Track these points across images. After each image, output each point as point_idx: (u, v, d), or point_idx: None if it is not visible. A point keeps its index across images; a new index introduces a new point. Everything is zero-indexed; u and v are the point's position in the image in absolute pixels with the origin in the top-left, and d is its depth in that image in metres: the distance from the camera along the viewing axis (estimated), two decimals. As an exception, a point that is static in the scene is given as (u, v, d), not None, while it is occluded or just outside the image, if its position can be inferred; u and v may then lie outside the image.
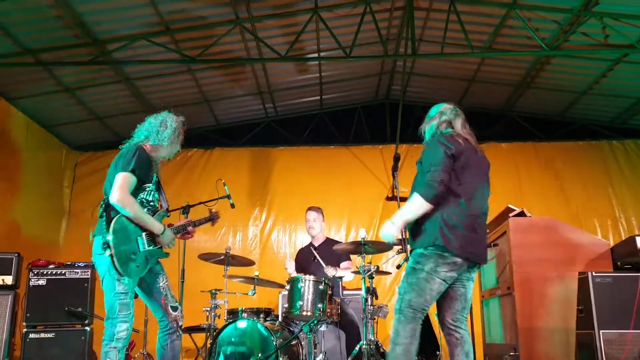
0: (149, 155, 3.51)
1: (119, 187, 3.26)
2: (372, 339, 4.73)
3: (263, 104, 8.90)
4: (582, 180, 8.66)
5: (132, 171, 3.32)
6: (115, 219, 3.26)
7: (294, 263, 5.62)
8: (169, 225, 3.66)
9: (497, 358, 4.62)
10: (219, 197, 4.77)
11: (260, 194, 8.81)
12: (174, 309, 3.56)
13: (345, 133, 9.28)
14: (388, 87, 9.26)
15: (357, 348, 4.81)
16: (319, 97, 9.08)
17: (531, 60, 7.62)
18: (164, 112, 3.73)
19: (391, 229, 3.24)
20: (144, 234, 3.42)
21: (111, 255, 3.18)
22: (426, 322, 3.41)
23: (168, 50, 6.57)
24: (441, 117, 3.45)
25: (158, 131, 3.58)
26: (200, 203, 4.76)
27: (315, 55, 7.77)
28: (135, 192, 3.38)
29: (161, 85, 7.74)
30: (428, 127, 3.51)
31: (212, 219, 4.16)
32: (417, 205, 3.16)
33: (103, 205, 3.38)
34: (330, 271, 5.14)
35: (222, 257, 5.23)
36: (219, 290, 5.42)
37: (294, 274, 5.36)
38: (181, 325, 3.61)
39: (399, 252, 4.85)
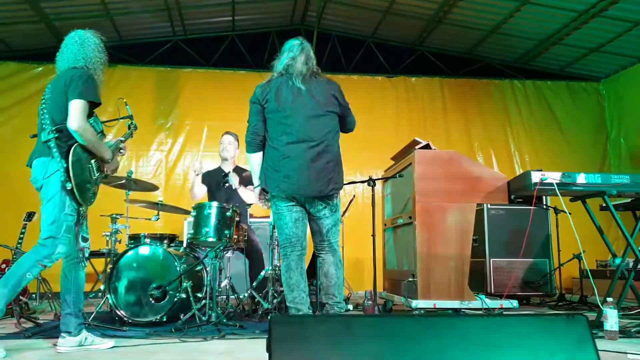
0: (95, 79, 3.46)
1: (77, 114, 3.24)
2: (278, 264, 4.80)
3: (171, 21, 8.39)
4: (483, 117, 9.04)
5: (88, 97, 3.30)
6: (72, 150, 3.26)
7: (205, 188, 5.46)
8: None
9: (397, 283, 4.84)
10: (120, 117, 4.49)
11: (166, 117, 8.46)
12: (84, 239, 3.50)
13: (258, 58, 8.99)
14: (304, 12, 9.01)
15: (262, 274, 4.88)
16: (231, 18, 8.68)
17: (445, -6, 7.66)
18: (79, 31, 3.60)
19: (255, 192, 3.76)
20: (93, 160, 3.44)
21: (72, 188, 3.22)
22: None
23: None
24: (288, 53, 3.65)
25: (90, 54, 3.51)
26: (101, 122, 4.46)
27: (228, -29, 7.36)
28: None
29: (59, -6, 7.08)
30: (278, 63, 3.69)
31: (132, 131, 4.07)
32: (248, 161, 3.70)
33: (52, 130, 3.31)
34: (249, 197, 5.13)
35: (124, 180, 5.02)
36: (119, 215, 5.23)
37: (200, 199, 5.25)
38: (88, 257, 3.56)
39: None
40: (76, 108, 3.25)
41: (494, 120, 9.07)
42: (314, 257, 3.80)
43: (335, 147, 3.58)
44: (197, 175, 5.32)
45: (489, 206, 5.97)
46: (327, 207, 3.58)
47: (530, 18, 7.83)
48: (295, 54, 3.59)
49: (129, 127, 4.08)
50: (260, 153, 3.61)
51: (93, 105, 3.41)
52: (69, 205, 3.27)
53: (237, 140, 5.57)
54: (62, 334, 3.35)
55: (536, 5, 7.40)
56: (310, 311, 3.55)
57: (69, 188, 3.23)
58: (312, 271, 4.24)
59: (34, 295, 5.99)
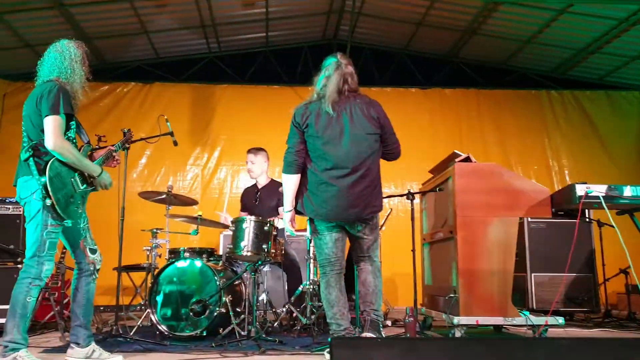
0: (67, 91, 3.39)
1: (53, 132, 3.20)
2: (315, 279, 4.78)
3: (206, 38, 8.52)
4: (519, 129, 8.89)
5: (60, 112, 3.24)
6: (48, 165, 3.22)
7: (229, 217, 5.48)
8: (91, 158, 3.58)
9: (436, 299, 4.76)
10: (160, 133, 4.57)
11: (202, 132, 8.57)
12: (93, 251, 3.52)
13: (291, 73, 9.06)
14: (336, 27, 9.05)
15: (299, 288, 4.86)
16: (264, 34, 8.77)
17: (479, 6, 7.59)
18: (63, 41, 3.59)
19: (285, 216, 3.63)
20: (76, 174, 3.40)
21: (52, 204, 3.18)
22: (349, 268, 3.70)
23: (105, -26, 6.12)
24: (325, 72, 3.51)
25: (66, 65, 3.47)
26: (142, 139, 4.54)
27: (262, -12, 7.45)
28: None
29: (98, 14, 7.24)
30: (317, 80, 3.58)
31: (128, 139, 4.04)
32: (283, 182, 3.58)
33: (29, 148, 3.29)
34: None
35: (164, 195, 5.08)
36: (160, 229, 5.30)
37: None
38: (98, 269, 3.59)
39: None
40: (50, 125, 3.21)
41: (531, 131, 8.89)
42: (350, 270, 3.75)
43: (374, 170, 3.48)
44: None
45: (529, 220, 5.84)
46: (366, 227, 3.53)
47: (567, 27, 7.69)
48: (330, 74, 3.47)
49: (124, 135, 4.04)
50: (297, 176, 3.51)
51: (69, 117, 3.36)
52: (51, 223, 3.25)
53: (264, 155, 5.63)
54: (71, 345, 3.42)
55: (574, 14, 7.28)
56: (352, 327, 3.50)
57: (48, 204, 3.19)
58: (350, 286, 4.19)
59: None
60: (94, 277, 3.53)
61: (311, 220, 3.55)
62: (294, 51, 9.22)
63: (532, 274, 5.72)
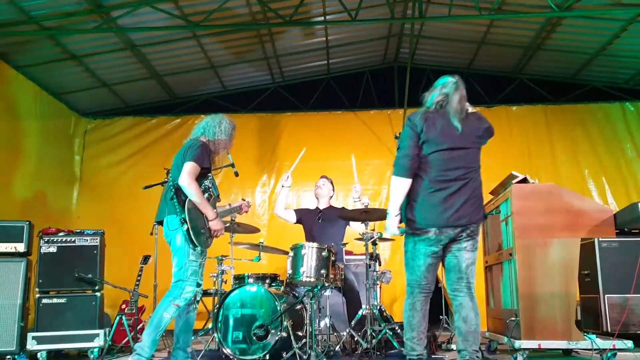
0: (208, 147, 4.08)
1: (187, 173, 3.81)
2: (375, 303, 4.80)
3: (269, 69, 8.84)
4: (592, 144, 8.56)
5: (197, 161, 3.85)
6: (187, 200, 3.83)
7: (289, 214, 5.71)
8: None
9: (500, 322, 4.67)
10: (222, 165, 4.79)
11: (269, 160, 8.83)
12: (198, 284, 3.93)
13: (353, 98, 9.21)
14: (396, 50, 9.14)
15: (360, 313, 4.90)
16: (325, 62, 8.99)
17: (541, 21, 7.45)
18: (219, 114, 4.32)
19: (388, 222, 3.49)
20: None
21: (188, 229, 3.74)
22: (436, 291, 3.65)
23: (172, 16, 6.52)
24: (442, 89, 3.52)
25: (214, 130, 4.13)
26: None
27: (321, 18, 7.66)
28: (199, 179, 3.90)
29: (167, 52, 7.71)
30: (429, 98, 3.57)
31: (242, 205, 4.84)
32: (392, 185, 3.44)
33: (172, 189, 3.90)
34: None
35: (228, 224, 5.29)
36: (225, 256, 5.50)
37: (282, 213, 5.65)
38: (199, 300, 4.12)
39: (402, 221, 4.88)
40: (186, 168, 3.82)
41: (604, 146, 8.54)
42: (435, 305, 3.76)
43: (479, 180, 3.50)
44: (283, 187, 5.72)
45: (600, 239, 5.60)
46: (470, 241, 3.44)
47: (637, 37, 7.40)
48: (449, 92, 3.47)
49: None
50: (410, 180, 3.42)
51: (206, 170, 3.97)
52: (192, 253, 3.81)
53: (332, 184, 5.85)
54: None
55: (643, 23, 7.02)
56: (426, 352, 3.48)
57: (185, 228, 3.76)
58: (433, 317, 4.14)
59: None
60: (194, 306, 4.03)
61: (411, 236, 3.48)
62: (355, 76, 9.39)
63: (605, 295, 5.46)
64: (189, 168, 3.82)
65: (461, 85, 3.52)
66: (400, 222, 3.50)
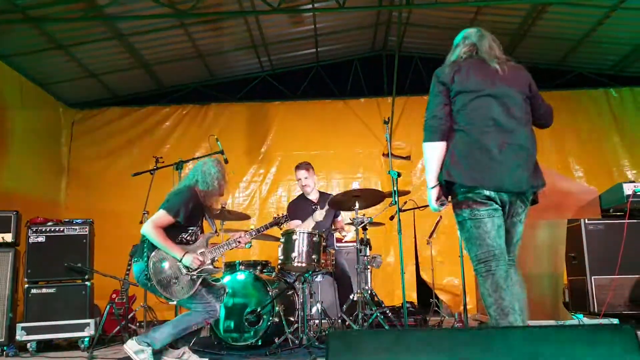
0: (199, 200, 4.01)
1: (152, 220, 3.82)
2: (366, 287, 4.85)
3: (258, 57, 8.81)
4: (577, 130, 8.66)
5: (170, 212, 3.83)
6: (154, 253, 3.81)
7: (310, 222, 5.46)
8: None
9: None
10: (212, 152, 4.81)
11: (258, 149, 8.82)
12: (221, 294, 4.15)
13: (342, 86, 9.22)
14: (384, 38, 9.14)
15: (351, 298, 4.95)
16: (314, 50, 8.98)
17: (527, 8, 7.49)
18: (210, 159, 4.20)
19: (429, 195, 3.00)
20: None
21: (153, 286, 3.75)
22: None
23: (160, 4, 6.48)
24: (465, 41, 3.16)
25: (204, 178, 4.04)
26: (194, 159, 4.80)
27: (309, 6, 7.65)
28: (177, 231, 3.91)
29: (155, 41, 7.65)
30: (451, 56, 3.17)
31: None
32: (425, 153, 2.98)
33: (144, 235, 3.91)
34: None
35: (218, 212, 5.30)
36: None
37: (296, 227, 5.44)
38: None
39: (390, 205, 4.93)
40: (153, 215, 3.85)
41: (589, 132, 8.63)
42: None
43: (533, 136, 3.03)
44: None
45: (586, 221, 5.69)
46: (524, 211, 2.99)
47: (622, 23, 7.48)
48: (475, 40, 3.12)
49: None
50: (444, 143, 2.93)
51: (191, 222, 3.98)
52: (182, 292, 3.83)
53: (311, 168, 5.78)
54: (167, 347, 3.92)
55: (627, 9, 7.07)
56: None
57: (149, 285, 3.79)
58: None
59: (142, 323, 6.39)
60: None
61: (466, 201, 2.88)
62: (344, 64, 9.39)
63: (592, 277, 5.55)
64: (157, 216, 3.83)
65: (486, 33, 3.18)
66: (440, 194, 2.98)
